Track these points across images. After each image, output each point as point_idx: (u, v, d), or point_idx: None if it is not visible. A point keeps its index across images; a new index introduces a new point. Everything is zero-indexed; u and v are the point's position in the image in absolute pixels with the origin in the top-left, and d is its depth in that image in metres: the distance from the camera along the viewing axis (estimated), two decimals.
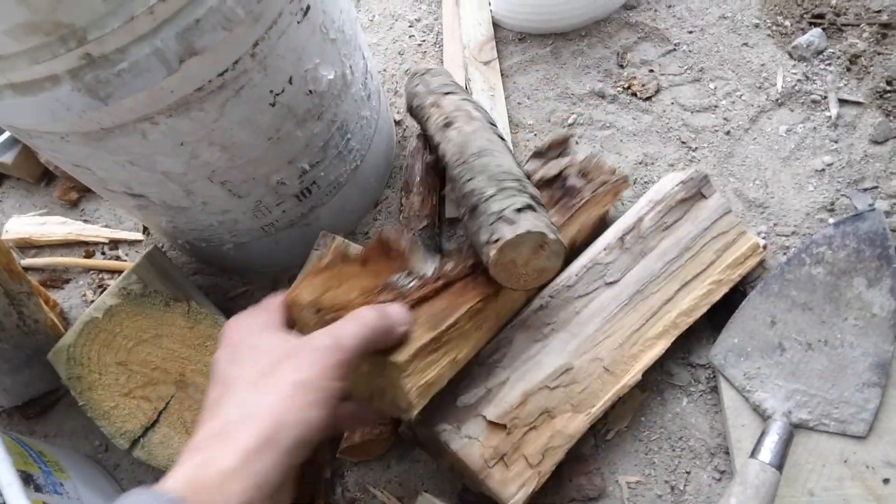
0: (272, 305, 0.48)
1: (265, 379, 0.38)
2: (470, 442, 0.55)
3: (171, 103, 0.51)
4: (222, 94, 0.53)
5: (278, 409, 0.37)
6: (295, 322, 0.50)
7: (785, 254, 0.67)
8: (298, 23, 0.56)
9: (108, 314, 0.62)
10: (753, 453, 0.53)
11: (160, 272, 0.67)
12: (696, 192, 0.65)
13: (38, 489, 0.59)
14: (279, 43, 0.55)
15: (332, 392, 0.39)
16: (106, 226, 0.87)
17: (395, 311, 0.48)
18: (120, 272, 0.82)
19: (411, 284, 0.54)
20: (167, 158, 0.57)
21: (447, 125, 0.67)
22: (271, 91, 0.57)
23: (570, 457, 0.59)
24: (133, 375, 0.63)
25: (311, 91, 0.61)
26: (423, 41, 0.93)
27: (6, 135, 0.90)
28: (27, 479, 0.58)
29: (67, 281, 0.84)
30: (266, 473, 0.35)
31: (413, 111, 0.76)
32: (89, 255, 0.84)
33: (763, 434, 0.54)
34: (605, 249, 0.64)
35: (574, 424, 0.57)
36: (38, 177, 0.93)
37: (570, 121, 0.80)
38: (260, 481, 0.34)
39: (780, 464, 0.52)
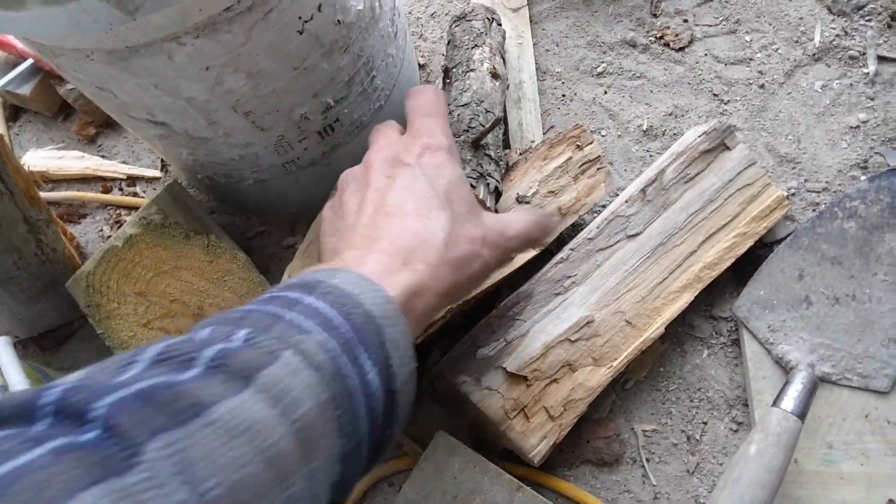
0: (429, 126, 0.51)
1: (448, 216, 0.40)
2: (490, 393, 0.55)
3: (199, 22, 0.50)
4: (251, 17, 0.52)
5: (468, 260, 0.39)
6: None
7: (815, 210, 0.66)
8: None
9: (128, 243, 0.62)
10: (776, 402, 0.52)
11: (180, 205, 0.66)
12: (720, 143, 0.63)
13: None
14: None
15: (491, 271, 0.43)
16: (124, 162, 0.86)
17: (553, 224, 0.49)
18: (137, 208, 0.81)
19: None
20: (192, 83, 0.55)
21: None
22: (300, 17, 0.56)
23: (590, 418, 0.59)
24: (152, 306, 0.63)
25: (339, 21, 0.59)
26: None
27: (24, 65, 0.89)
28: None
29: (84, 216, 0.83)
30: (441, 294, 0.38)
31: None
32: (106, 191, 0.84)
33: (787, 383, 0.54)
34: (626, 202, 0.63)
35: (595, 377, 0.56)
36: (55, 111, 0.92)
37: (599, 69, 0.79)
38: (439, 303, 0.38)
39: (802, 413, 0.51)
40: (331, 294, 0.32)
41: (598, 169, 0.63)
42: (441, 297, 0.38)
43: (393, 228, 0.39)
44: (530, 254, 0.59)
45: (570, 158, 0.62)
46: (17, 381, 0.55)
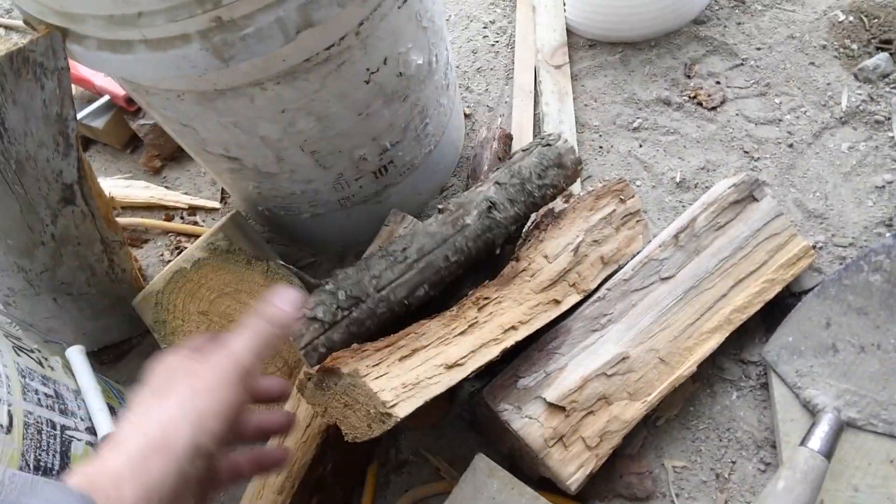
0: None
1: (161, 392, 0.39)
2: (530, 422, 0.58)
3: (281, 71, 0.56)
4: (326, 67, 0.58)
5: (169, 416, 0.36)
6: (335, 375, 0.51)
7: (841, 263, 0.69)
8: (399, 8, 0.60)
9: (195, 266, 0.67)
10: (803, 441, 0.55)
11: (243, 233, 0.72)
12: (748, 194, 0.67)
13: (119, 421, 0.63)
14: (380, 25, 0.59)
15: (228, 401, 0.38)
16: (186, 193, 0.92)
17: (283, 308, 0.43)
18: (197, 236, 0.87)
19: None
20: (268, 123, 0.61)
21: None
22: (367, 69, 0.61)
23: (623, 453, 0.62)
24: (213, 325, 0.67)
25: (401, 73, 0.65)
26: (496, 42, 0.97)
27: (99, 102, 0.97)
28: (110, 411, 0.63)
29: (146, 241, 0.89)
30: (157, 478, 0.35)
31: None
32: (169, 219, 0.90)
33: (814, 424, 0.56)
34: (660, 246, 0.66)
35: (630, 411, 0.59)
36: (124, 144, 0.99)
37: (634, 124, 0.84)
38: (151, 485, 0.34)
39: (828, 453, 0.54)
40: None
41: (637, 221, 0.67)
42: (140, 459, 0.35)
43: None
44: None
45: (614, 211, 0.66)
46: (90, 386, 0.60)
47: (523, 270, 0.61)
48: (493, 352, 0.54)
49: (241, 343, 0.42)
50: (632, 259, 0.66)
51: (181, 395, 0.38)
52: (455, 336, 0.54)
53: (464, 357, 0.53)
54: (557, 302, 0.60)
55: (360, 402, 0.49)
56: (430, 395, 0.49)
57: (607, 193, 0.66)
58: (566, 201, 0.68)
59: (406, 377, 0.50)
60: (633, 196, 0.67)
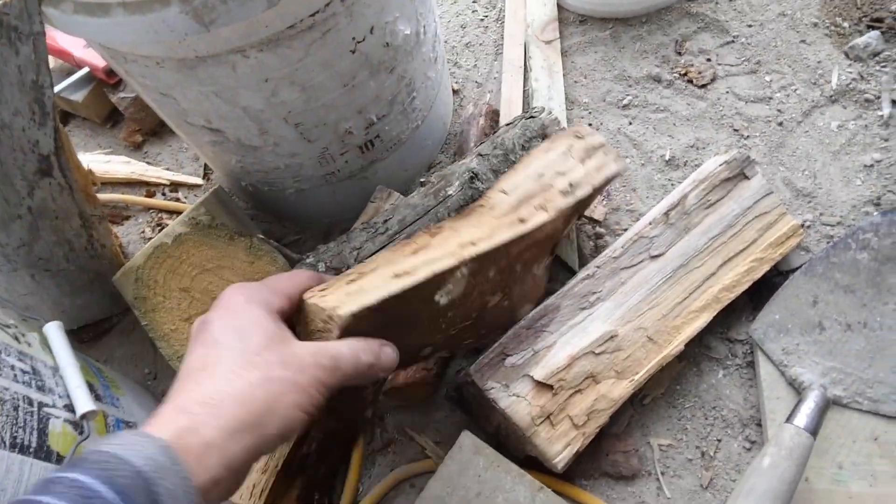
0: (279, 288, 0.47)
1: (261, 361, 0.39)
2: (518, 400, 0.57)
3: (264, 38, 0.54)
4: (310, 35, 0.56)
5: (271, 398, 0.37)
6: (302, 315, 0.48)
7: (829, 242, 0.69)
8: None
9: (176, 241, 0.65)
10: (789, 418, 0.55)
11: (226, 208, 0.70)
12: (739, 172, 0.66)
13: (98, 399, 0.62)
14: None
15: (317, 403, 0.40)
16: (168, 169, 0.90)
17: (387, 357, 0.46)
18: (178, 213, 0.85)
19: None
20: (250, 93, 0.60)
21: None
22: (353, 38, 0.60)
23: (609, 432, 0.62)
24: (194, 302, 0.66)
25: (387, 43, 0.64)
26: (486, 17, 0.95)
27: (78, 74, 0.94)
28: (89, 389, 0.62)
29: (127, 218, 0.87)
30: (241, 456, 0.36)
31: None
32: (150, 195, 0.88)
33: (799, 401, 0.56)
34: (650, 224, 0.66)
35: (618, 390, 0.59)
36: (104, 118, 0.97)
37: (624, 102, 0.83)
38: (233, 462, 0.35)
39: (814, 430, 0.54)
40: (97, 462, 0.32)
41: (604, 153, 0.63)
42: (232, 432, 0.36)
43: (183, 384, 0.39)
44: None
45: (572, 146, 0.62)
46: (68, 363, 0.58)
47: (480, 206, 0.56)
48: (448, 263, 0.49)
49: (348, 360, 0.43)
50: (620, 235, 0.65)
51: (285, 380, 0.38)
52: (405, 257, 0.50)
53: (414, 267, 0.48)
54: (523, 220, 0.55)
55: (312, 323, 0.47)
56: (376, 297, 0.45)
57: (562, 136, 0.62)
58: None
59: (349, 288, 0.46)
60: (592, 133, 0.63)
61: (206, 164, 0.90)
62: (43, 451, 0.52)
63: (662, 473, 0.61)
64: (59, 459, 0.53)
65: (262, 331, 0.41)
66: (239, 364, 0.38)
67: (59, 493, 0.31)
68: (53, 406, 0.56)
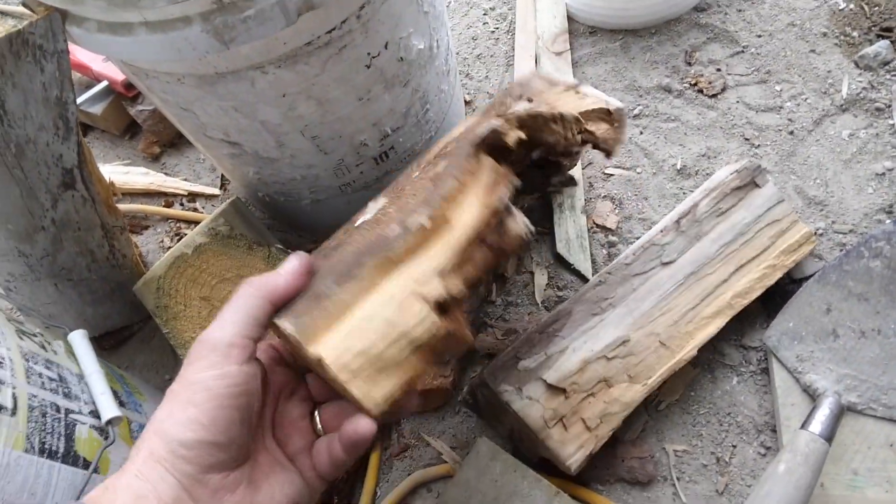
0: (255, 316, 0.40)
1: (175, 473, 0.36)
2: (531, 403, 0.58)
3: (282, 54, 0.56)
4: (327, 51, 0.58)
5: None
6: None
7: (842, 250, 0.69)
8: None
9: (196, 251, 0.67)
10: (804, 425, 0.55)
11: (244, 218, 0.72)
12: (750, 180, 0.67)
13: (122, 405, 0.63)
14: (382, 8, 0.59)
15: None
16: (185, 179, 0.92)
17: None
18: (197, 223, 0.86)
19: None
20: (268, 108, 0.61)
21: None
22: (368, 53, 0.61)
23: (624, 439, 0.62)
24: (214, 311, 0.67)
25: (402, 58, 0.65)
26: (496, 28, 0.97)
27: (97, 88, 0.96)
28: (113, 395, 0.63)
29: (146, 227, 0.89)
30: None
31: None
32: (168, 206, 0.89)
33: (814, 408, 0.56)
34: (661, 231, 0.66)
35: (630, 394, 0.60)
36: (123, 130, 0.99)
37: (635, 112, 0.84)
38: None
39: (829, 436, 0.54)
40: None
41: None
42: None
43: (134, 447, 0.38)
44: None
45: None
46: (93, 370, 0.60)
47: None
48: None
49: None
50: (632, 242, 0.66)
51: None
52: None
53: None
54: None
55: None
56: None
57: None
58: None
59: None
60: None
61: (222, 175, 0.92)
62: (70, 457, 0.53)
63: (678, 479, 0.61)
64: (86, 464, 0.54)
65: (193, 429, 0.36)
66: (149, 467, 0.36)
67: None
68: (80, 412, 0.57)
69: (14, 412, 0.49)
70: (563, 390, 0.58)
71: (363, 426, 0.38)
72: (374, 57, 0.62)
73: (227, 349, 0.37)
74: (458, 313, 0.42)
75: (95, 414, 0.58)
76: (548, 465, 0.60)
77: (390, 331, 0.38)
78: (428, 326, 0.39)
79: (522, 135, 0.50)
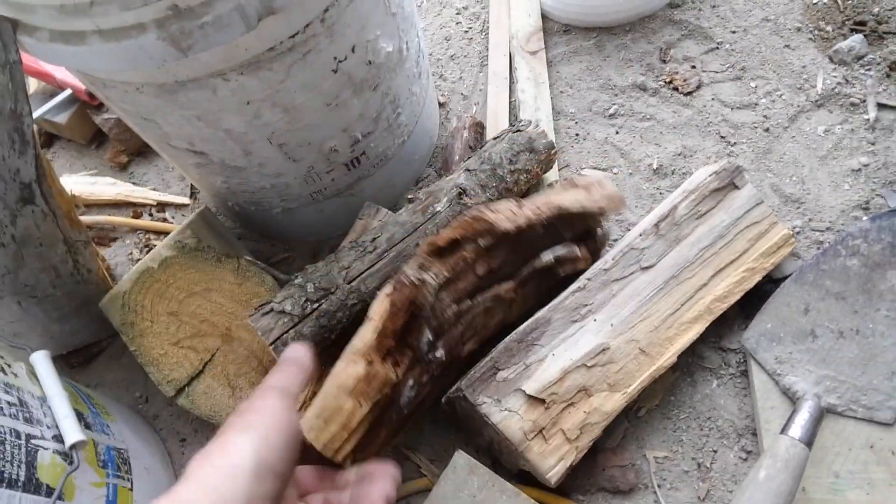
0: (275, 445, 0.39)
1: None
2: (510, 415, 0.57)
3: (244, 61, 0.54)
4: (290, 56, 0.56)
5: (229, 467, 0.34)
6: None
7: (819, 248, 0.69)
8: None
9: (163, 265, 0.65)
10: (784, 430, 0.54)
11: (212, 230, 0.70)
12: (729, 182, 0.66)
13: (87, 427, 0.61)
14: (347, 11, 0.57)
15: (285, 429, 0.37)
16: (154, 189, 0.90)
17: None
18: (166, 233, 0.84)
19: (410, 396, 0.54)
20: (232, 116, 0.59)
21: None
22: (335, 58, 0.59)
23: (604, 447, 0.61)
24: (182, 326, 0.65)
25: (370, 62, 0.63)
26: (470, 28, 0.95)
27: (61, 96, 0.93)
28: (78, 417, 0.61)
29: (114, 239, 0.87)
30: None
31: None
32: (137, 216, 0.87)
33: (794, 412, 0.56)
34: (640, 235, 0.65)
35: (610, 403, 0.59)
36: (89, 139, 0.96)
37: (610, 111, 0.83)
38: None
39: (809, 440, 0.53)
40: None
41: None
42: None
43: None
44: None
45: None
46: (55, 392, 0.57)
47: None
48: None
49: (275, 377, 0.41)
50: (611, 247, 0.65)
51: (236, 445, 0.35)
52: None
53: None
54: None
55: None
56: None
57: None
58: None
59: None
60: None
61: (192, 184, 0.90)
62: (32, 484, 0.51)
63: (659, 486, 0.60)
64: (50, 491, 0.52)
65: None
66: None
67: None
68: (42, 437, 0.55)
69: None
70: (543, 401, 0.57)
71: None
72: (340, 61, 0.60)
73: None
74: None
75: (59, 438, 0.56)
76: (527, 476, 0.59)
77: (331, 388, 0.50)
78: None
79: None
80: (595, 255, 0.66)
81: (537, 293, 0.63)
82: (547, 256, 0.60)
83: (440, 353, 0.55)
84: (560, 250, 0.61)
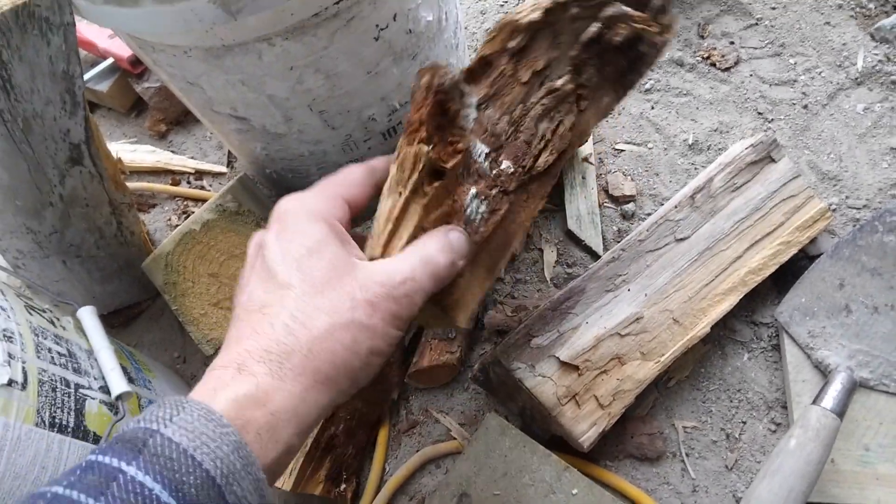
0: (337, 193, 0.43)
1: (327, 304, 0.34)
2: (544, 380, 0.58)
3: (289, 26, 0.55)
4: (335, 23, 0.57)
5: (341, 350, 0.33)
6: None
7: (855, 225, 0.68)
8: None
9: (205, 227, 0.67)
10: (815, 400, 0.55)
11: (252, 195, 0.71)
12: (766, 155, 0.66)
13: (131, 381, 0.63)
14: None
15: (394, 341, 0.35)
16: (192, 157, 0.91)
17: (459, 241, 0.39)
18: (203, 200, 0.86)
19: (480, 211, 0.45)
20: (275, 81, 0.60)
21: None
22: (377, 25, 0.60)
23: (634, 415, 0.62)
24: (222, 287, 0.67)
25: (410, 30, 0.64)
26: (506, 2, 0.95)
27: (103, 65, 0.95)
28: (122, 371, 0.63)
29: (153, 206, 0.89)
30: (310, 423, 0.32)
31: None
32: (175, 184, 0.89)
33: (826, 383, 0.56)
34: (675, 207, 0.66)
35: (643, 371, 0.59)
36: (129, 107, 0.98)
37: (647, 86, 0.82)
38: (305, 426, 0.32)
39: (841, 412, 0.54)
40: (159, 456, 0.27)
41: None
42: (301, 399, 0.32)
43: (240, 328, 0.35)
44: None
45: None
46: (102, 346, 0.60)
47: None
48: None
49: (422, 281, 0.36)
50: (645, 219, 0.65)
51: (358, 324, 0.33)
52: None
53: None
54: None
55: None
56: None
57: None
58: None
59: None
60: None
61: (229, 153, 0.91)
62: (80, 431, 0.54)
63: (687, 455, 0.61)
64: (96, 439, 0.54)
65: (324, 258, 0.35)
66: (301, 309, 0.33)
67: (118, 497, 0.26)
68: (89, 388, 0.58)
69: (24, 386, 0.49)
70: (576, 367, 0.58)
71: None
72: (382, 29, 0.61)
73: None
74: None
75: (105, 389, 0.58)
76: (557, 441, 0.60)
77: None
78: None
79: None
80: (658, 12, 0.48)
81: (604, 81, 0.51)
82: (591, 27, 0.48)
83: (505, 164, 0.49)
84: (606, 11, 0.47)
